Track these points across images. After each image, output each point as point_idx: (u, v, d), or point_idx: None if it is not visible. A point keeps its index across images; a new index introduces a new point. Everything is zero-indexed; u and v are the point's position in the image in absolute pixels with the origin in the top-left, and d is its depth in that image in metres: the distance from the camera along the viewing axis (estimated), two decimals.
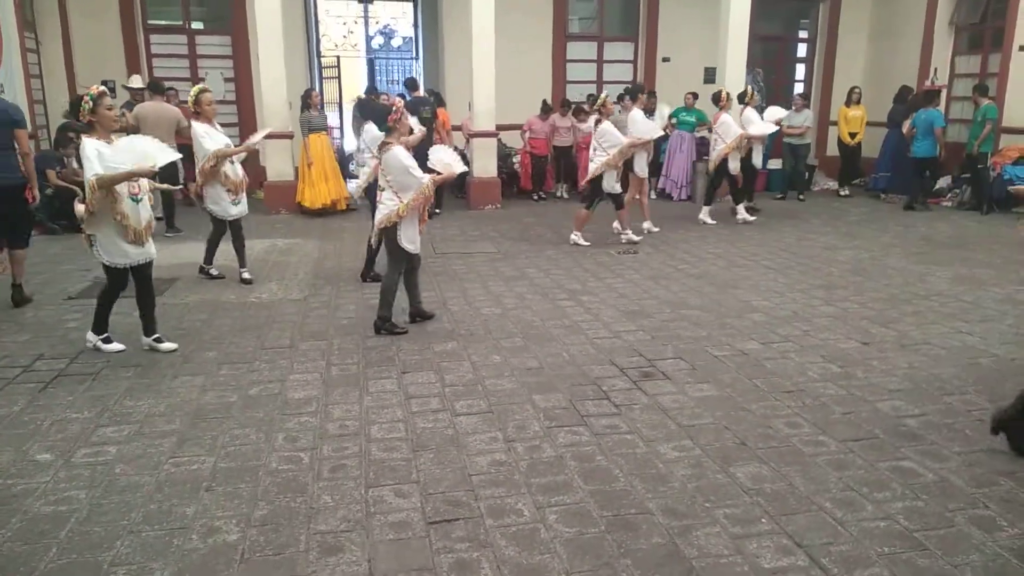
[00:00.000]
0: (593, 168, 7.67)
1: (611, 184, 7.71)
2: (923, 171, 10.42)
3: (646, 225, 8.57)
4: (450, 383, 4.18)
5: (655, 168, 11.68)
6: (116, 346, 4.64)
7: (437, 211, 9.64)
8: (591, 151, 7.86)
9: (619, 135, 7.64)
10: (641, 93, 8.76)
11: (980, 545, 2.65)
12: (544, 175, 11.56)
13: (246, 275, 6.34)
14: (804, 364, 4.47)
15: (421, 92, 10.88)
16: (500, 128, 10.67)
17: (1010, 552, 2.60)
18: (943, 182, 10.93)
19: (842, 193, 11.71)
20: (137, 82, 9.52)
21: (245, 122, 11.56)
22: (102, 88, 4.38)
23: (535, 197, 11.39)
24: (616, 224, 8.12)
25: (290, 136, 10.02)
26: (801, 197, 11.24)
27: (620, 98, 11.42)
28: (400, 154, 4.85)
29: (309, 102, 9.95)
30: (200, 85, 6.20)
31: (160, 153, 4.48)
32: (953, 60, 11.82)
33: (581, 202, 8.16)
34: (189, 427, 3.61)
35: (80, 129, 4.86)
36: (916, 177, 10.46)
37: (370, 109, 6.81)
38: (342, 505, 2.92)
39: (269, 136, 7.74)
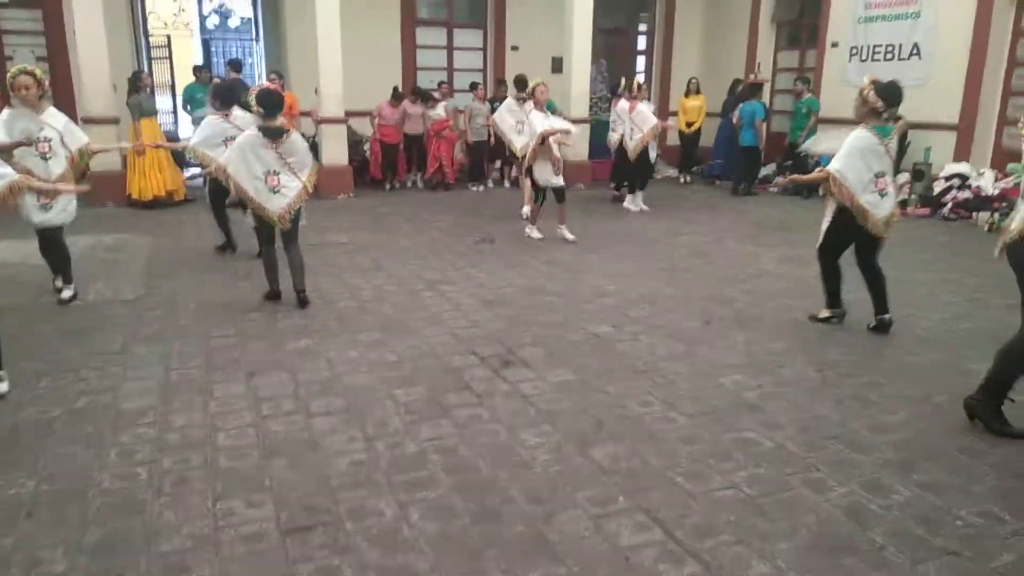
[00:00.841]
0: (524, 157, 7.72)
1: (544, 177, 7.48)
2: (751, 159, 11.20)
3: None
4: (304, 382, 3.99)
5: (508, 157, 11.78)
6: None
7: None
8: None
9: (538, 128, 7.31)
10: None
11: (815, 506, 2.87)
12: (396, 164, 11.34)
13: (66, 293, 5.42)
14: (653, 344, 4.67)
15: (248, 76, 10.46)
16: (350, 114, 10.37)
17: (839, 509, 2.84)
18: (768, 170, 11.82)
19: (682, 180, 12.38)
20: None
21: (61, 106, 10.46)
22: None
23: (387, 187, 11.17)
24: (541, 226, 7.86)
25: (115, 121, 9.20)
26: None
27: (473, 87, 11.46)
28: (300, 137, 5.36)
29: (139, 84, 9.18)
30: (22, 65, 5.27)
31: None
32: (776, 55, 12.81)
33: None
34: (5, 448, 3.22)
35: None
36: (743, 165, 11.23)
37: (233, 94, 6.46)
38: (186, 521, 2.70)
39: (88, 120, 7.04)
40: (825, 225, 4.86)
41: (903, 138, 9.84)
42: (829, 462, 3.20)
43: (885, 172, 4.61)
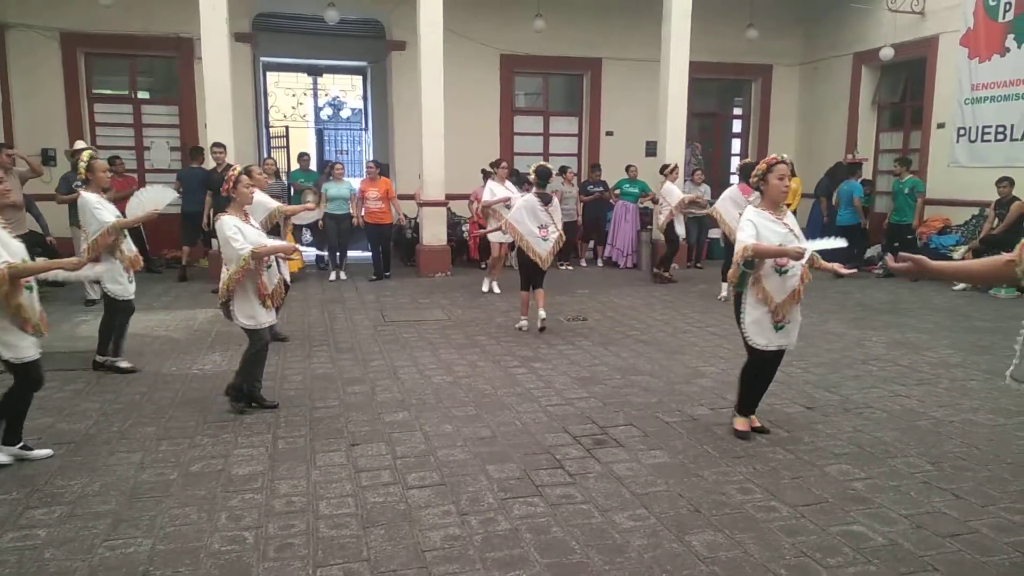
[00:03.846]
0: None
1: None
2: (852, 238, 10.87)
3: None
4: (401, 455, 4.09)
5: (602, 237, 12.00)
6: (43, 452, 3.99)
7: (373, 277, 10.16)
8: None
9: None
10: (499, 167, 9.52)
11: None
12: (490, 245, 11.66)
13: (124, 363, 5.69)
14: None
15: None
16: (450, 197, 10.82)
17: None
18: (873, 251, 11.43)
19: None
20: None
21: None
22: None
23: (483, 266, 11.46)
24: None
25: None
26: (699, 266, 11.63)
27: (563, 170, 11.81)
28: (225, 224, 4.47)
29: (265, 170, 9.95)
30: (90, 151, 5.47)
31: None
32: (877, 136, 12.57)
33: None
34: (125, 507, 3.43)
35: None
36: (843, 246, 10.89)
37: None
38: None
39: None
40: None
41: (1020, 219, 9.36)
42: (948, 562, 2.99)
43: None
